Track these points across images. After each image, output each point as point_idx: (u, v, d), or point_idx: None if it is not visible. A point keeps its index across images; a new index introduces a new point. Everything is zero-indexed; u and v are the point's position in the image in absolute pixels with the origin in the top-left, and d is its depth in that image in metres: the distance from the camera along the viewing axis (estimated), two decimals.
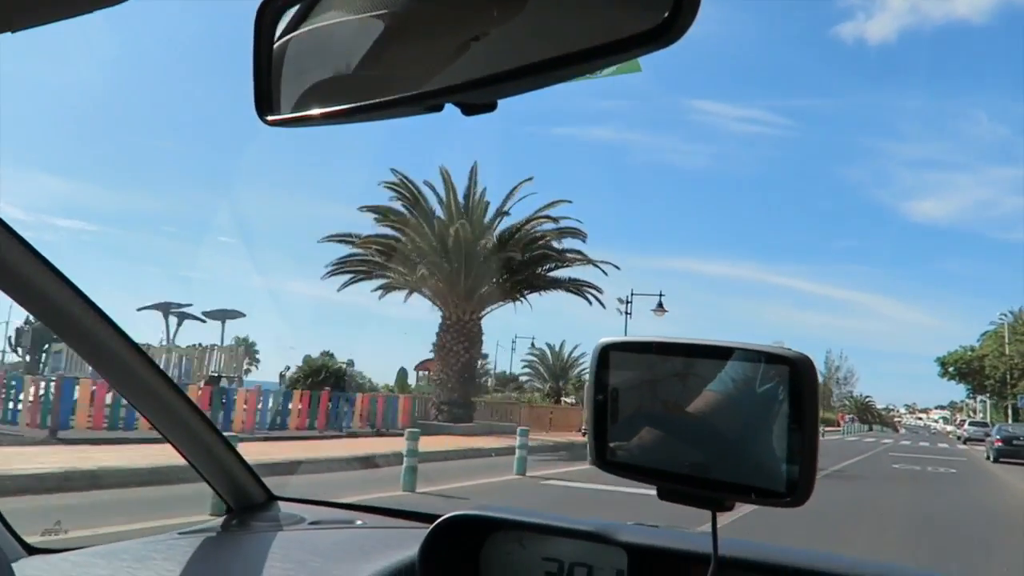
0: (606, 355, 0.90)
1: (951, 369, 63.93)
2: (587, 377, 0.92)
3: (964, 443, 44.59)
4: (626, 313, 28.40)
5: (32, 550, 1.33)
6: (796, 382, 0.78)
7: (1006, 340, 57.82)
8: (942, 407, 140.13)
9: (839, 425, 60.46)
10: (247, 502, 1.57)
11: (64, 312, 1.14)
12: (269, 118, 0.67)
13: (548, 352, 39.79)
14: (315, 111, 0.65)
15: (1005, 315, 60.64)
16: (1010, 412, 52.92)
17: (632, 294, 28.63)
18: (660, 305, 28.16)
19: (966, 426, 50.49)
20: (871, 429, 76.06)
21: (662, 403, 0.87)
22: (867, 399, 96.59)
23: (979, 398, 69.70)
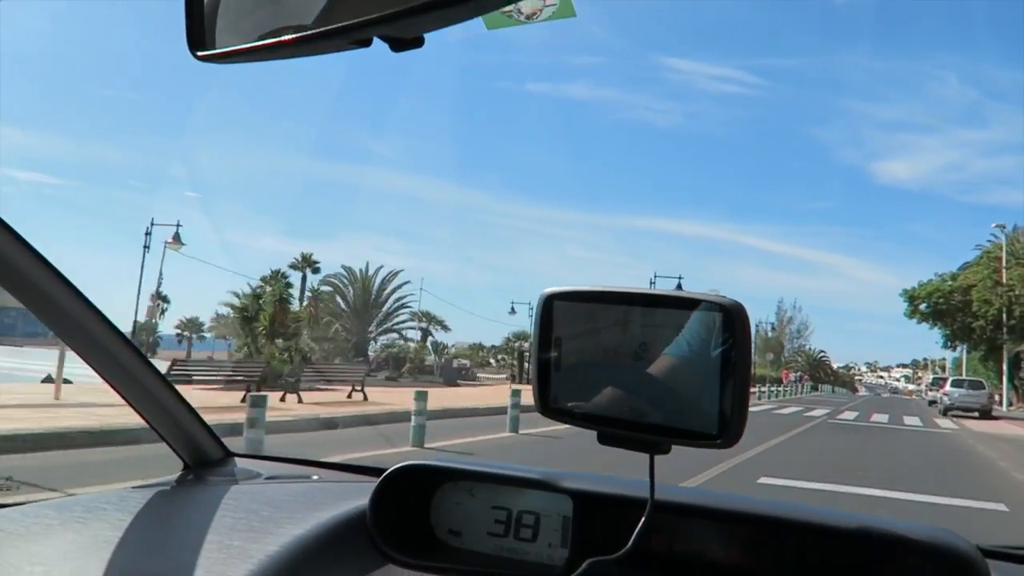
0: (550, 305, 0.92)
1: (923, 306, 45.59)
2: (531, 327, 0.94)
3: (944, 413, 29.23)
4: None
5: None
6: (729, 328, 0.80)
7: (1003, 264, 41.04)
8: (904, 365, 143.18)
9: (782, 383, 50.27)
10: (203, 458, 1.57)
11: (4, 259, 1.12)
12: (199, 53, 0.67)
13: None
14: (243, 46, 0.65)
15: (998, 232, 43.63)
16: (1006, 366, 40.05)
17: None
18: (177, 237, 29.01)
19: (947, 387, 31.43)
20: (820, 390, 64.71)
21: (603, 351, 0.90)
22: (821, 355, 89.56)
23: (960, 347, 51.26)
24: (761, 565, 1.07)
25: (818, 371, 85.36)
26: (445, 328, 40.98)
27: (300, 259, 39.02)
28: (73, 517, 1.18)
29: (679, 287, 28.71)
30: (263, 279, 31.29)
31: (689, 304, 0.83)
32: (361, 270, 40.23)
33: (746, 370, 0.80)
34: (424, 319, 39.26)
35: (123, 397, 1.41)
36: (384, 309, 39.23)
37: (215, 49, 0.66)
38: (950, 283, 44.86)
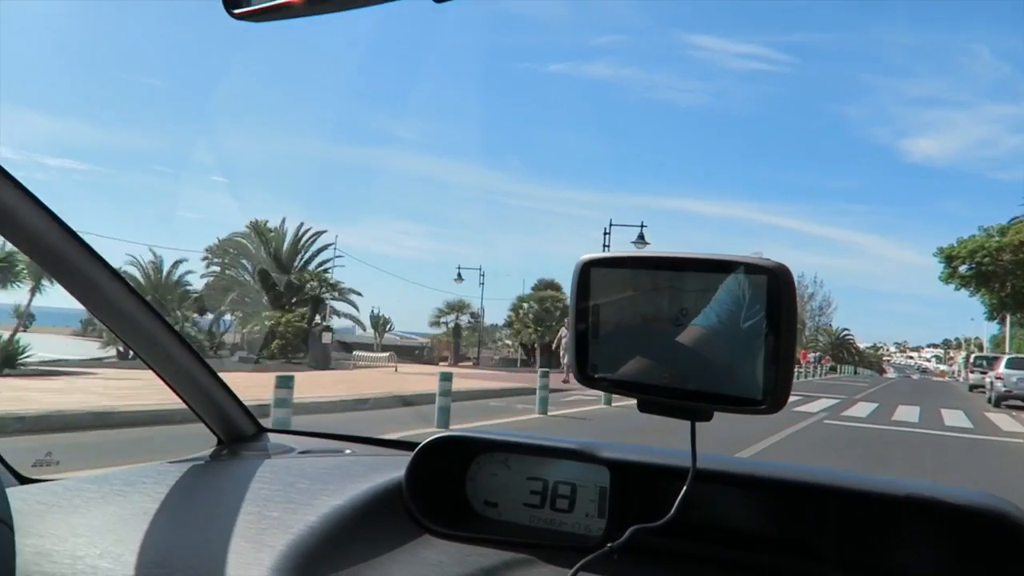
0: (587, 272, 0.90)
1: (962, 268, 36.75)
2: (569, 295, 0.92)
3: (997, 404, 21.81)
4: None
5: (23, 480, 1.34)
6: (774, 291, 0.78)
7: None
8: (935, 345, 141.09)
9: (800, 365, 40.40)
10: (237, 434, 1.59)
11: (41, 238, 1.13)
12: (236, 11, 0.65)
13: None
14: (279, 1, 0.63)
15: None
16: None
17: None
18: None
19: (1001, 369, 22.60)
20: (840, 372, 57.20)
21: (642, 317, 0.88)
22: (845, 334, 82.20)
23: (1006, 319, 42.90)
24: (803, 533, 1.06)
25: (841, 351, 79.21)
26: (355, 295, 31.73)
27: (251, 226, 30.70)
28: (113, 490, 1.20)
29: (641, 237, 26.20)
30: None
31: (730, 267, 0.81)
32: (275, 228, 31.33)
33: (791, 333, 0.78)
34: (329, 288, 30.94)
35: (158, 374, 1.42)
36: (289, 277, 30.10)
37: (251, 6, 0.65)
38: (997, 239, 35.73)
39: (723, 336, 0.81)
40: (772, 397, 0.78)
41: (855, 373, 63.83)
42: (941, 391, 32.08)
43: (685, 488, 0.93)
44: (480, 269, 38.40)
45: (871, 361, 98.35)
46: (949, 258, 38.16)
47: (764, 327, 0.79)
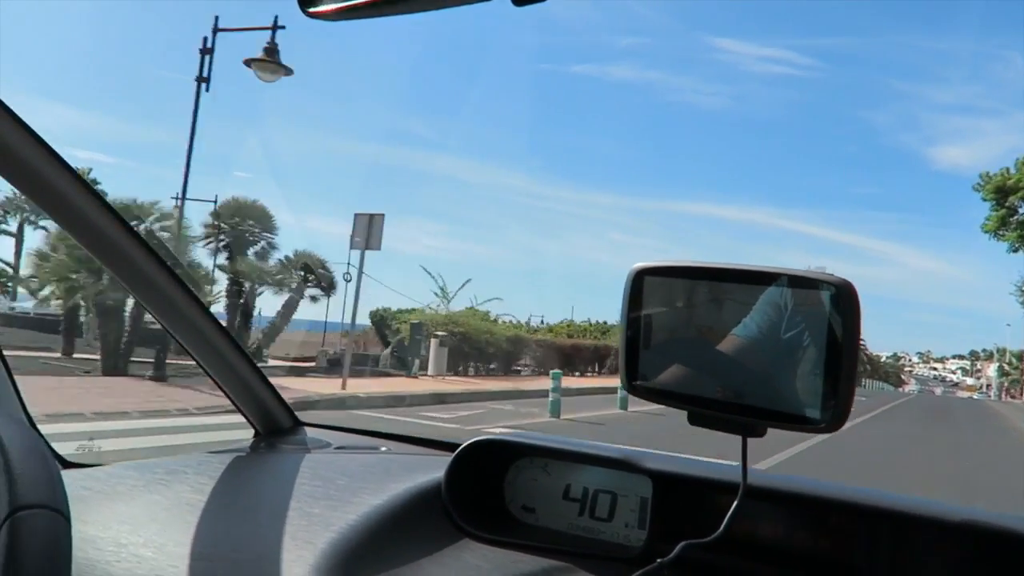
0: (640, 280, 0.89)
1: (1017, 197, 24.41)
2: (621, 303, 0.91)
3: None
4: None
5: (67, 464, 1.36)
6: (838, 307, 0.77)
7: None
8: (960, 356, 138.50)
9: None
10: (274, 426, 1.60)
11: (96, 228, 1.15)
12: (311, 10, 0.65)
13: None
14: (354, 1, 0.63)
15: None
16: None
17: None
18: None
19: None
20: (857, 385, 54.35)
21: (696, 328, 0.86)
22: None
23: None
24: (853, 555, 1.04)
25: None
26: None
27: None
28: (155, 479, 1.21)
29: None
30: None
31: (793, 282, 0.80)
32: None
33: (854, 352, 0.77)
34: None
35: (200, 365, 1.44)
36: None
37: (326, 6, 0.65)
38: None
39: (797, 345, 0.79)
40: (831, 417, 0.77)
41: (862, 386, 51.24)
42: (974, 417, 22.70)
43: (736, 504, 0.92)
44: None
45: (888, 372, 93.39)
46: (1001, 192, 24.09)
47: (825, 345, 0.77)
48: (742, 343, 0.82)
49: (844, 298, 0.77)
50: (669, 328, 0.89)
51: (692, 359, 0.86)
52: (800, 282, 0.79)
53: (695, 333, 0.87)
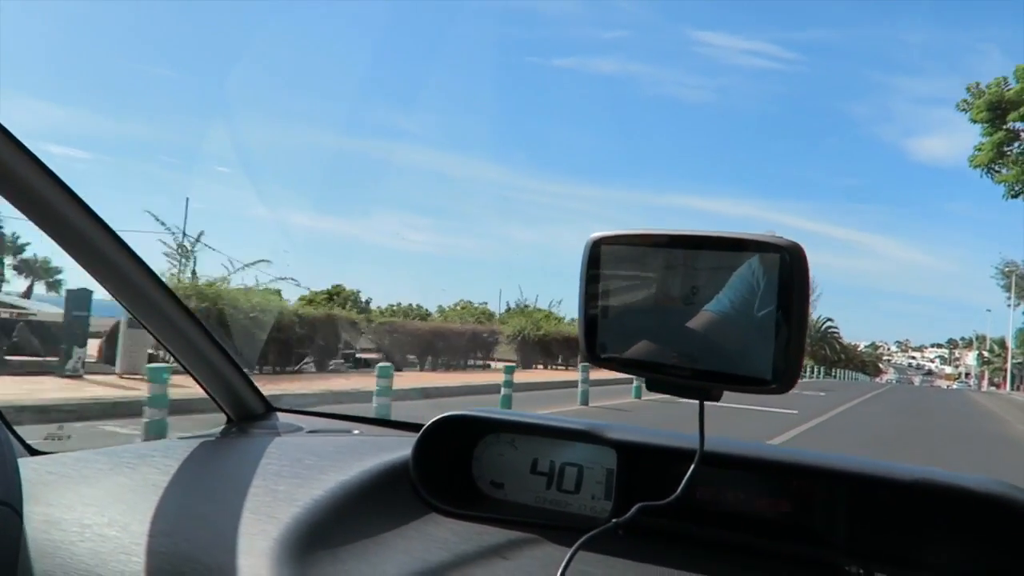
0: (597, 250, 0.89)
1: (1018, 116, 18.94)
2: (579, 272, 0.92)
3: None
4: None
5: (34, 451, 1.36)
6: (786, 270, 0.78)
7: None
8: (939, 345, 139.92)
9: None
10: (246, 412, 1.60)
11: (57, 214, 1.14)
12: None
13: None
14: None
15: None
16: None
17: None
18: None
19: None
20: (822, 373, 45.17)
21: (652, 296, 0.87)
22: (828, 326, 67.42)
23: None
24: (812, 517, 1.06)
25: (822, 347, 64.75)
26: None
27: None
28: (123, 463, 1.21)
29: None
30: None
31: (743, 245, 0.81)
32: None
33: (803, 313, 0.78)
34: None
35: (169, 351, 1.44)
36: None
37: None
38: None
39: (748, 308, 0.80)
40: (782, 377, 0.78)
41: (827, 376, 47.19)
42: (960, 419, 17.72)
43: (692, 468, 0.93)
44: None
45: (865, 361, 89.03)
46: (997, 110, 18.84)
47: (775, 307, 0.78)
48: (713, 317, 0.82)
49: (794, 261, 0.78)
50: (626, 297, 0.89)
51: (649, 327, 0.87)
52: (750, 245, 0.80)
53: (652, 301, 0.87)
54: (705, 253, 0.84)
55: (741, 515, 1.09)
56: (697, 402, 0.88)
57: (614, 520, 0.97)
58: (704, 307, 0.82)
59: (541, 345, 25.72)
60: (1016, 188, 19.53)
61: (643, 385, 0.91)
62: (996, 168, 19.66)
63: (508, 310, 31.12)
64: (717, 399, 0.86)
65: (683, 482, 0.94)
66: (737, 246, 0.81)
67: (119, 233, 1.22)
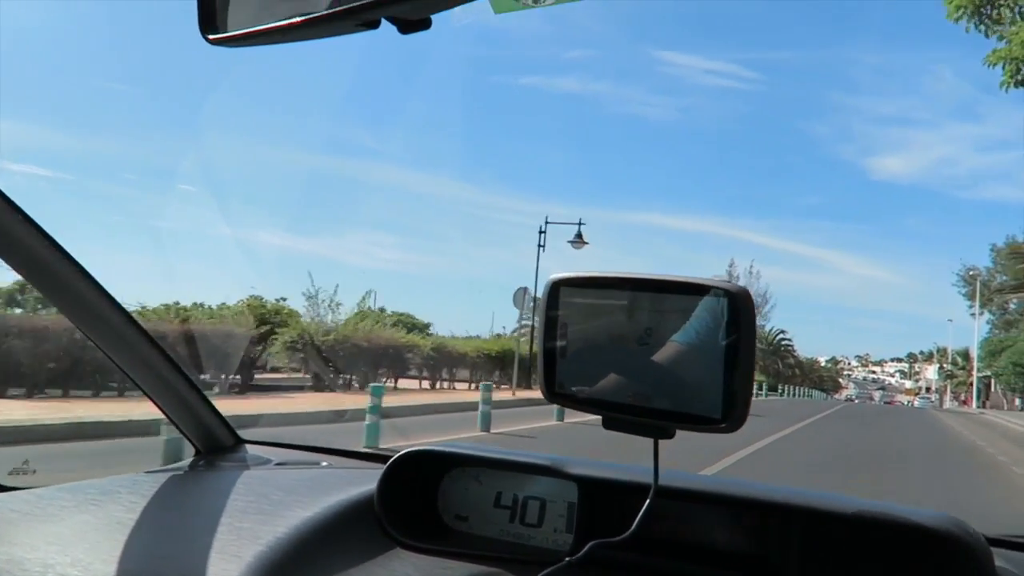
0: (556, 291, 0.92)
1: None
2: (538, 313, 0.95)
3: None
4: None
5: None
6: (734, 313, 0.82)
7: None
8: (899, 359, 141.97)
9: None
10: (215, 444, 1.60)
11: (21, 244, 1.13)
12: (211, 36, 0.68)
13: None
14: (254, 28, 0.66)
15: None
16: None
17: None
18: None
19: None
20: (771, 391, 38.07)
21: (609, 336, 0.91)
22: (780, 338, 59.90)
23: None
24: (767, 550, 1.09)
25: (775, 362, 57.88)
26: None
27: None
28: (87, 499, 1.21)
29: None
30: None
31: (695, 290, 0.85)
32: None
33: (750, 355, 0.82)
34: None
35: (137, 385, 1.43)
36: None
37: (226, 32, 0.68)
38: None
39: (700, 350, 0.84)
40: (731, 417, 0.82)
41: (773, 393, 40.56)
42: (941, 470, 11.45)
43: (647, 504, 0.96)
44: None
45: (823, 376, 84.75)
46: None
47: (723, 349, 0.82)
48: (680, 349, 0.86)
49: (741, 305, 0.82)
50: (584, 337, 0.92)
51: (606, 366, 0.90)
52: (701, 290, 0.84)
53: (608, 341, 0.91)
54: (659, 296, 0.88)
55: (699, 548, 1.12)
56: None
57: (567, 559, 0.99)
58: (670, 336, 0.86)
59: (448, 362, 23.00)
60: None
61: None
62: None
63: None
64: (671, 437, 0.90)
65: (638, 517, 0.97)
66: (689, 290, 0.86)
67: (74, 256, 1.19)
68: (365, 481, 1.28)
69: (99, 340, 1.33)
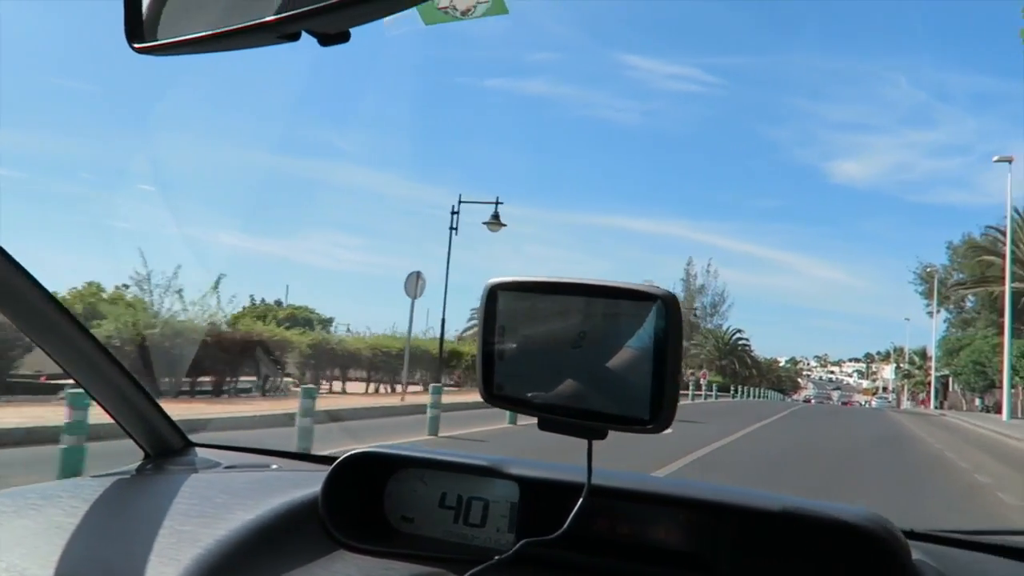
0: (494, 295, 0.95)
1: None
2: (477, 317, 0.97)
3: None
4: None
5: None
6: (662, 317, 0.85)
7: None
8: (856, 359, 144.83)
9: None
10: (164, 448, 1.58)
11: None
12: (137, 45, 0.69)
13: None
14: (178, 38, 0.67)
15: None
16: None
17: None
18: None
19: None
20: (704, 396, 35.98)
21: (545, 340, 0.94)
22: (737, 338, 60.36)
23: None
24: (700, 547, 1.12)
25: (731, 362, 58.37)
26: None
27: None
28: (27, 504, 1.20)
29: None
30: None
31: (626, 294, 0.88)
32: None
33: (677, 357, 0.85)
34: None
35: (83, 387, 1.42)
36: None
37: (152, 41, 0.69)
38: None
39: (629, 352, 0.87)
40: (658, 418, 0.85)
41: (724, 394, 40.17)
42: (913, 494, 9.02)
43: (580, 503, 0.99)
44: None
45: (781, 376, 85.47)
46: None
47: (652, 352, 0.85)
48: (612, 352, 0.88)
49: (669, 309, 0.85)
50: (521, 340, 0.95)
51: (542, 369, 0.93)
52: (632, 295, 0.88)
53: (544, 344, 0.94)
54: (593, 300, 0.91)
55: (633, 546, 1.15)
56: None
57: (496, 558, 1.02)
58: (602, 339, 0.89)
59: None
60: None
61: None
62: None
63: None
64: (603, 438, 0.93)
65: (571, 516, 1.00)
66: (620, 294, 0.89)
67: (7, 250, 1.17)
68: (312, 483, 1.28)
69: (38, 337, 1.31)
